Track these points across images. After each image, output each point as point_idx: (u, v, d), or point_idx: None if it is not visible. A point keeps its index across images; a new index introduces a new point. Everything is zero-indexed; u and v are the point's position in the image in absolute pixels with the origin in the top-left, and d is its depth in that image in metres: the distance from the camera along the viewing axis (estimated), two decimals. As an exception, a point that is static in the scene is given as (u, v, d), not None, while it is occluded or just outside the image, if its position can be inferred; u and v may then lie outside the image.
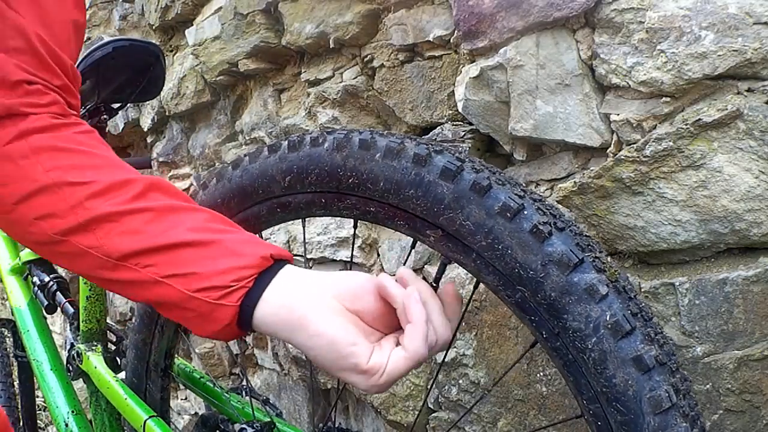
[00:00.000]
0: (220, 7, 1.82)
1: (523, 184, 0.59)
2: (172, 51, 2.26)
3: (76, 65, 0.75)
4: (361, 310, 0.61)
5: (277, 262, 0.63)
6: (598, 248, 0.56)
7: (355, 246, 1.52)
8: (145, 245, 0.61)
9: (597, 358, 0.51)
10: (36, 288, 1.37)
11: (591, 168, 1.06)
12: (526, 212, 0.54)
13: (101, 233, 0.62)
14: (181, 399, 2.50)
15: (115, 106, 1.47)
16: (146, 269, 0.61)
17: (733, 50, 0.90)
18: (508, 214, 0.54)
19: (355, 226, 0.76)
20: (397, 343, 0.60)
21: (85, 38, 2.88)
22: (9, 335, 1.84)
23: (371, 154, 0.61)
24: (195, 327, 0.63)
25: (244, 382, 1.42)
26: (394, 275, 0.62)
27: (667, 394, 0.49)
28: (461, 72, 1.21)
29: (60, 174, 0.63)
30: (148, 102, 2.37)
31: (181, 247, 0.61)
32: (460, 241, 0.57)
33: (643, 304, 0.54)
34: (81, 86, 1.32)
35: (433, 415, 1.36)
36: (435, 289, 0.62)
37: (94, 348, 1.22)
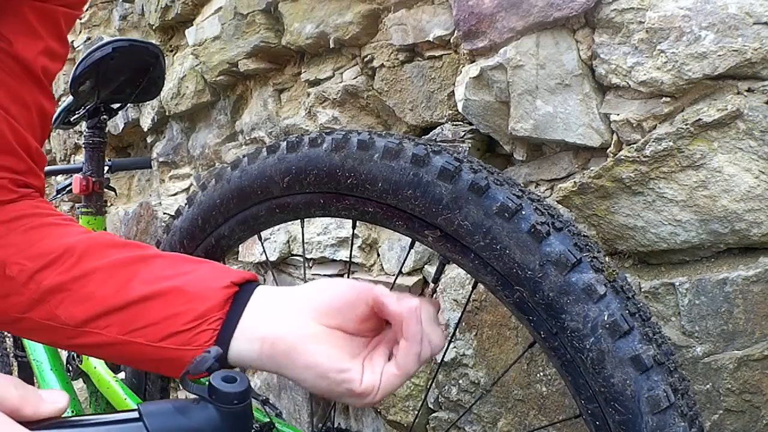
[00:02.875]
0: (220, 7, 1.82)
1: (522, 184, 0.59)
2: (172, 51, 2.26)
3: (52, 122, 0.76)
4: (343, 324, 0.58)
5: (243, 288, 0.61)
6: (596, 248, 0.56)
7: (355, 246, 1.52)
8: (99, 309, 0.60)
9: (595, 358, 0.51)
10: (36, 288, 1.37)
11: (591, 168, 1.06)
12: (524, 212, 0.54)
13: (55, 304, 0.62)
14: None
15: (115, 106, 1.47)
16: (106, 329, 0.60)
17: (733, 50, 0.90)
18: (506, 214, 0.54)
19: (353, 227, 0.76)
20: (390, 355, 0.58)
21: (84, 38, 2.89)
22: (9, 335, 1.84)
23: (370, 154, 0.61)
24: (171, 373, 0.60)
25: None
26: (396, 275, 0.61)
27: (665, 394, 0.49)
28: (461, 72, 1.21)
29: (8, 254, 0.64)
30: (148, 102, 2.37)
31: (138, 303, 0.60)
32: (458, 241, 0.57)
33: (641, 304, 0.54)
34: (81, 87, 1.32)
35: (433, 415, 1.36)
36: (435, 289, 0.62)
37: (94, 348, 1.21)
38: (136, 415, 0.45)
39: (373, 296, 0.57)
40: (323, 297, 0.59)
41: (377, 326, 0.60)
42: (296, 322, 0.58)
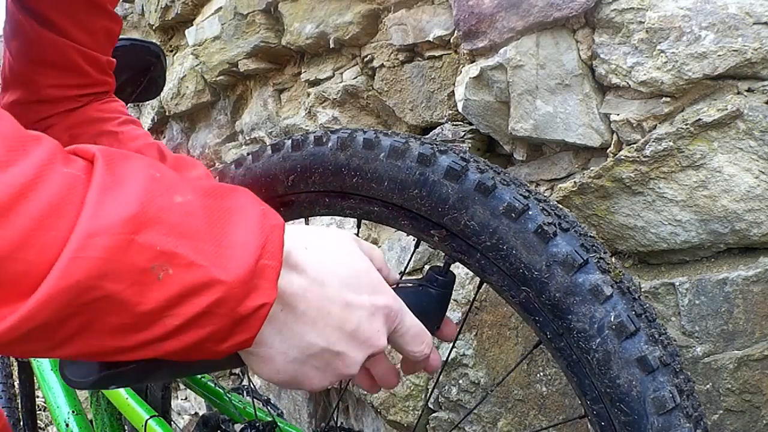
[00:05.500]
0: (220, 7, 1.82)
1: (528, 185, 0.59)
2: (172, 51, 2.25)
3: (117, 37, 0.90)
4: None
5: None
6: (603, 249, 0.56)
7: (355, 246, 1.52)
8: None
9: (601, 359, 0.51)
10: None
11: (591, 168, 1.06)
12: (530, 212, 0.54)
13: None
14: (181, 399, 2.50)
15: (115, 105, 1.46)
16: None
17: (733, 50, 0.90)
18: (513, 215, 0.54)
19: (358, 226, 0.76)
20: None
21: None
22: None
23: (375, 153, 0.60)
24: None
25: (246, 382, 1.41)
26: (401, 274, 0.62)
27: (671, 395, 0.50)
28: (461, 72, 1.22)
29: None
30: (148, 102, 2.37)
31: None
32: (464, 241, 0.57)
33: (647, 305, 0.54)
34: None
35: (433, 415, 1.36)
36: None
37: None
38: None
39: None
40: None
41: None
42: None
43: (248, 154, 0.74)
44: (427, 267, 1.34)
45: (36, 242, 0.34)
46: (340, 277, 0.48)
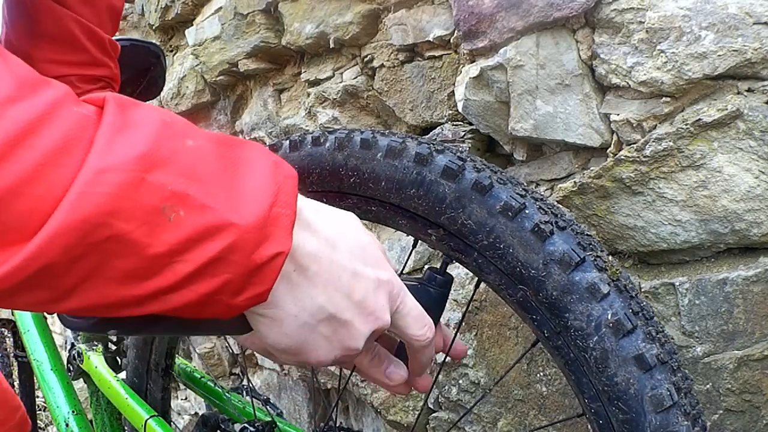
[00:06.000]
0: (220, 7, 1.83)
1: (525, 184, 0.60)
2: (172, 51, 2.26)
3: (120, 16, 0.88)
4: None
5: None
6: (600, 247, 0.56)
7: (355, 246, 1.52)
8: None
9: (598, 357, 0.51)
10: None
11: (591, 168, 1.06)
12: (527, 211, 0.54)
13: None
14: (181, 399, 2.50)
15: (116, 106, 1.47)
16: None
17: (733, 50, 0.90)
18: (510, 213, 0.54)
19: (356, 226, 0.76)
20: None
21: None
22: (9, 335, 1.84)
23: (373, 153, 0.61)
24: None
25: (245, 382, 1.42)
26: (400, 274, 0.62)
27: (668, 393, 0.50)
28: (461, 72, 1.22)
29: None
30: (147, 102, 2.37)
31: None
32: (461, 240, 0.57)
33: (644, 303, 0.54)
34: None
35: (433, 415, 1.36)
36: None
37: (94, 348, 1.22)
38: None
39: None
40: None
41: None
42: None
43: (247, 154, 0.74)
44: (426, 267, 1.34)
45: (44, 177, 0.33)
46: (348, 244, 0.47)
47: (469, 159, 0.58)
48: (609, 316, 0.51)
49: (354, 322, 0.47)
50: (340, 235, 0.47)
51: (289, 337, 0.46)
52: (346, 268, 0.46)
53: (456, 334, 0.69)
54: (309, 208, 0.46)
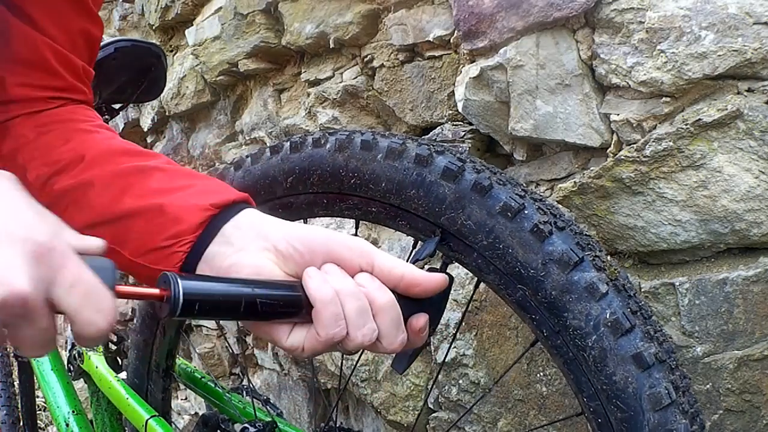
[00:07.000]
0: (220, 7, 1.83)
1: (524, 184, 0.60)
2: (172, 51, 2.26)
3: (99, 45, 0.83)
4: (299, 275, 0.55)
5: (225, 211, 0.58)
6: (598, 247, 0.56)
7: (356, 246, 1.52)
8: (95, 219, 0.62)
9: (597, 356, 0.51)
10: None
11: (591, 168, 1.06)
12: (526, 212, 0.54)
13: (62, 209, 0.63)
14: (181, 399, 2.50)
15: (116, 106, 1.47)
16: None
17: (733, 50, 0.90)
18: (509, 214, 0.54)
19: (356, 227, 0.76)
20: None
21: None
22: (9, 335, 1.84)
23: (373, 154, 0.61)
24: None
25: (245, 382, 1.42)
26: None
27: (666, 391, 0.50)
28: (461, 72, 1.22)
29: (31, 158, 0.67)
30: (148, 102, 2.37)
31: (125, 217, 0.61)
32: (461, 241, 0.58)
33: (643, 302, 0.54)
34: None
35: (433, 415, 1.36)
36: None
37: (95, 348, 1.22)
38: None
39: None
40: (294, 242, 0.55)
41: None
42: (256, 260, 0.55)
43: (247, 156, 0.74)
44: (426, 267, 1.34)
45: None
46: None
47: (468, 160, 0.58)
48: (607, 316, 0.51)
49: None
50: None
51: None
52: None
53: (455, 334, 0.69)
54: None
